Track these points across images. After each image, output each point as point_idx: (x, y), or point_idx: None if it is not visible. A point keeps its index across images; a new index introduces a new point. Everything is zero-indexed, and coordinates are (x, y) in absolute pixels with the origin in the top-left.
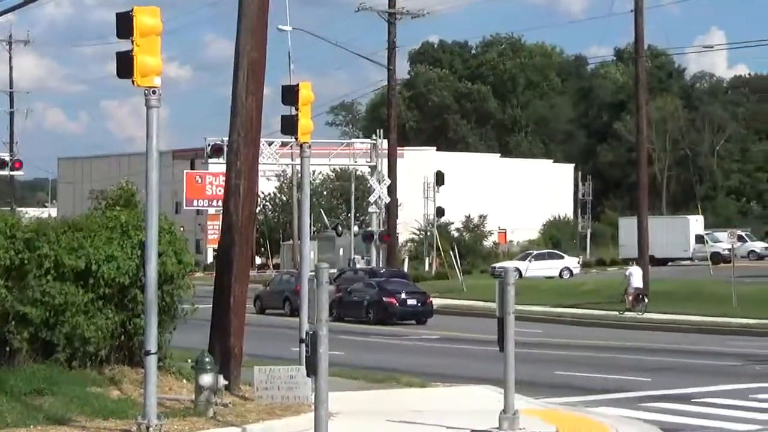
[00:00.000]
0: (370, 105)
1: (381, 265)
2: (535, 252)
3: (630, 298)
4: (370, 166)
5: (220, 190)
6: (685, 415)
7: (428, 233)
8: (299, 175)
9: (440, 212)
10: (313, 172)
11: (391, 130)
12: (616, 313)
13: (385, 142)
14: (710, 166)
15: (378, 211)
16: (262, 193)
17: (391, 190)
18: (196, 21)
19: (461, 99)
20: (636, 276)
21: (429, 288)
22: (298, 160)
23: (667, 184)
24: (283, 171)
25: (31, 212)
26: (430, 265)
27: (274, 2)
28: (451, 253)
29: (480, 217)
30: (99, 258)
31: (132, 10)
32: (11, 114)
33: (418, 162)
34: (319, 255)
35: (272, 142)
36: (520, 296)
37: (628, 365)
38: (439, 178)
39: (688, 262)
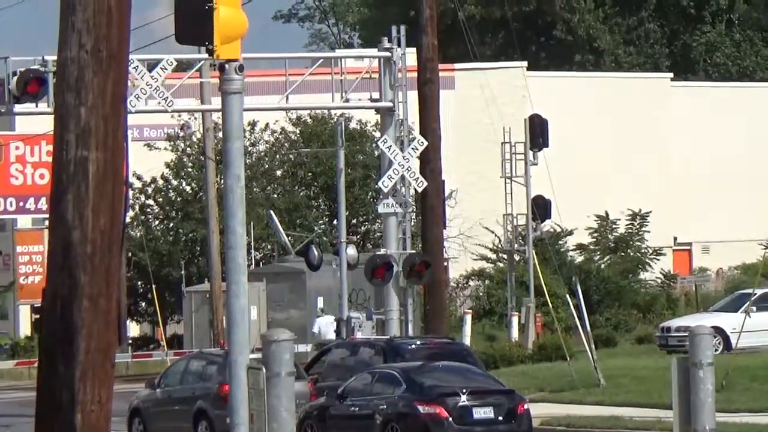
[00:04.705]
0: None
1: (410, 332)
2: (758, 291)
3: None
4: (378, 109)
5: (42, 178)
6: None
7: (518, 257)
8: (217, 133)
9: (541, 209)
10: (252, 124)
11: (426, 24)
12: None
13: (412, 54)
14: None
15: (400, 210)
16: (139, 179)
17: (430, 160)
18: None
19: None
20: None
21: (521, 380)
22: (213, 101)
23: None
24: (183, 126)
25: None
26: (523, 327)
27: None
28: (569, 300)
29: (636, 217)
30: None
31: None
32: None
33: (484, 96)
34: (271, 312)
35: (156, 64)
36: (728, 393)
37: None
38: (538, 133)
39: None
